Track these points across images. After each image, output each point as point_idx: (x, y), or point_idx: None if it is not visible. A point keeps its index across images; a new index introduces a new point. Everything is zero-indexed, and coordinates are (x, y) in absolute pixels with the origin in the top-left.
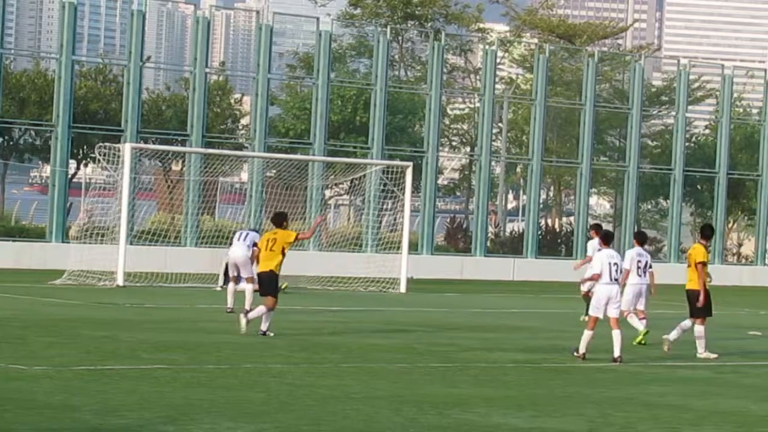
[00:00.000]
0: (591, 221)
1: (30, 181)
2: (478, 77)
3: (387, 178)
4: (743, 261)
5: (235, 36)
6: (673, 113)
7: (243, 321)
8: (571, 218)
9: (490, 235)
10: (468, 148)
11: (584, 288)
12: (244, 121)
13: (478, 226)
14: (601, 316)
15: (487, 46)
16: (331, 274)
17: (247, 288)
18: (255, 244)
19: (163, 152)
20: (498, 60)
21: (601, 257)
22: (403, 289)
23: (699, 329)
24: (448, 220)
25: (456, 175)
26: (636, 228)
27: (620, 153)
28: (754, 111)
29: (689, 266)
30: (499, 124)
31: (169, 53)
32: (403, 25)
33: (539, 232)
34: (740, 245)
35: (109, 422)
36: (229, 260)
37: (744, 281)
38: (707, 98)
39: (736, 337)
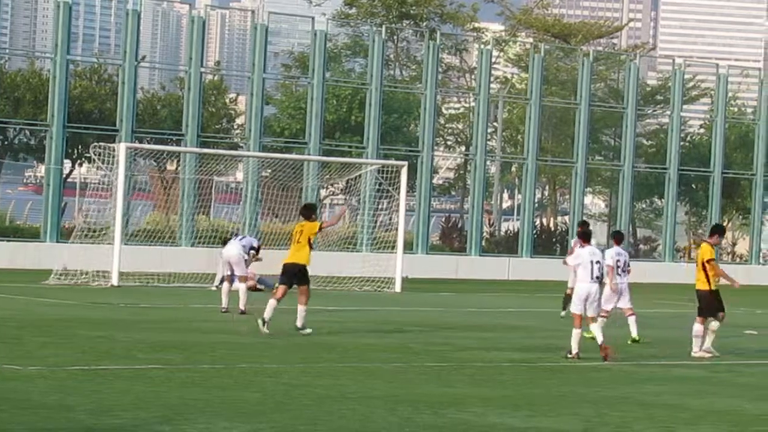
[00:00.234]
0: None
1: (24, 180)
2: (473, 77)
3: (382, 177)
4: (738, 260)
5: (231, 35)
6: (668, 112)
7: (261, 326)
8: (566, 217)
9: (485, 234)
10: (463, 148)
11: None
12: (239, 120)
13: (473, 225)
14: (582, 313)
15: (482, 46)
16: (326, 273)
17: (241, 287)
18: (252, 248)
19: (158, 152)
20: (493, 59)
21: (583, 254)
22: (398, 288)
23: (697, 328)
24: (443, 219)
25: (451, 175)
26: (630, 227)
27: (615, 152)
28: (749, 110)
29: (697, 266)
30: (494, 124)
31: (164, 53)
32: (398, 24)
33: (534, 232)
34: (734, 244)
35: (103, 422)
36: (222, 259)
37: (739, 280)
38: (702, 97)
39: (732, 336)
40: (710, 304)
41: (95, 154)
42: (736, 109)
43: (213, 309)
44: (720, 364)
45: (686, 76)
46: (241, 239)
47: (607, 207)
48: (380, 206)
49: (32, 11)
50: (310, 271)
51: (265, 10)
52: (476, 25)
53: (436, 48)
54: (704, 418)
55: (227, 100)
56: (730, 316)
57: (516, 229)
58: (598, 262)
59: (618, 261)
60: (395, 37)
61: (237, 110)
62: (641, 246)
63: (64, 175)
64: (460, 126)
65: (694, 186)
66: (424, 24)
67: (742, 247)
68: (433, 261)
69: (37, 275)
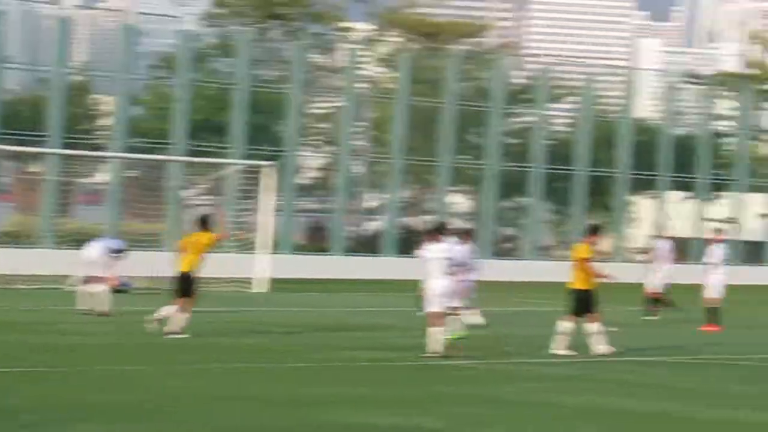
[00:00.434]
0: (451, 220)
1: None
2: (341, 76)
3: (248, 177)
4: (601, 258)
5: (99, 36)
6: (534, 111)
7: (152, 322)
8: (432, 217)
9: (350, 234)
10: (330, 147)
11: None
12: (105, 121)
13: (338, 225)
14: (434, 309)
15: (350, 45)
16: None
17: (101, 289)
18: (114, 249)
19: (20, 153)
20: (361, 59)
21: (435, 251)
22: (263, 289)
23: (565, 326)
24: (309, 219)
25: (317, 175)
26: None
27: (481, 151)
28: (615, 108)
29: (573, 265)
30: (362, 123)
31: (29, 53)
32: (266, 24)
33: (400, 231)
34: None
35: None
36: (83, 261)
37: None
38: (568, 96)
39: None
40: (583, 303)
41: None
42: (602, 108)
43: (72, 311)
44: (588, 361)
45: (552, 75)
46: (103, 241)
47: (473, 206)
48: (246, 207)
49: None
50: (167, 272)
51: (133, 10)
52: (345, 24)
53: (304, 48)
54: (567, 415)
55: (93, 101)
56: None
57: (381, 229)
58: (448, 258)
59: (455, 258)
60: (263, 37)
61: (103, 111)
62: (505, 244)
63: None
64: (328, 126)
65: (559, 184)
66: (293, 24)
67: (604, 245)
68: (299, 261)
69: None
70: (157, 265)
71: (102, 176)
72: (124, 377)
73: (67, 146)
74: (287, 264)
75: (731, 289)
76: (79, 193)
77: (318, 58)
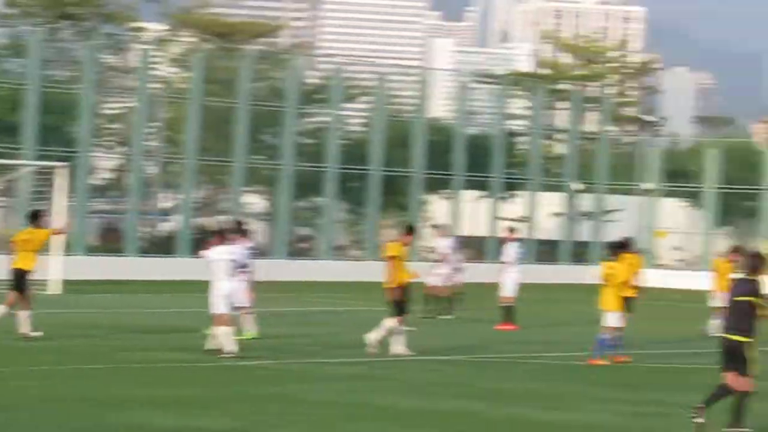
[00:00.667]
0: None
1: None
2: (133, 76)
3: (41, 179)
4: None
5: None
6: (329, 111)
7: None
8: (226, 217)
9: (144, 234)
10: (123, 148)
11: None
12: None
13: (132, 226)
14: (221, 311)
15: (142, 45)
16: None
17: None
18: None
19: None
20: (154, 59)
21: (220, 253)
22: (57, 290)
23: (391, 325)
24: (102, 220)
25: (111, 175)
26: (290, 227)
27: (276, 151)
28: (409, 108)
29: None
30: (155, 124)
31: None
32: (58, 24)
33: (194, 232)
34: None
35: None
36: None
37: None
38: (362, 96)
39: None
40: (399, 302)
41: None
42: (396, 107)
43: None
44: (381, 360)
45: (346, 75)
46: None
47: (267, 206)
48: (39, 208)
49: None
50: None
51: None
52: (137, 24)
53: (95, 48)
54: (362, 414)
55: None
56: (371, 312)
57: (175, 229)
58: (233, 260)
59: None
60: (54, 37)
61: None
62: (300, 244)
63: None
64: (120, 126)
65: (354, 184)
66: (84, 24)
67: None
68: (92, 262)
69: None
70: None
71: None
72: None
73: None
74: (81, 265)
75: (526, 288)
76: None
77: (110, 59)
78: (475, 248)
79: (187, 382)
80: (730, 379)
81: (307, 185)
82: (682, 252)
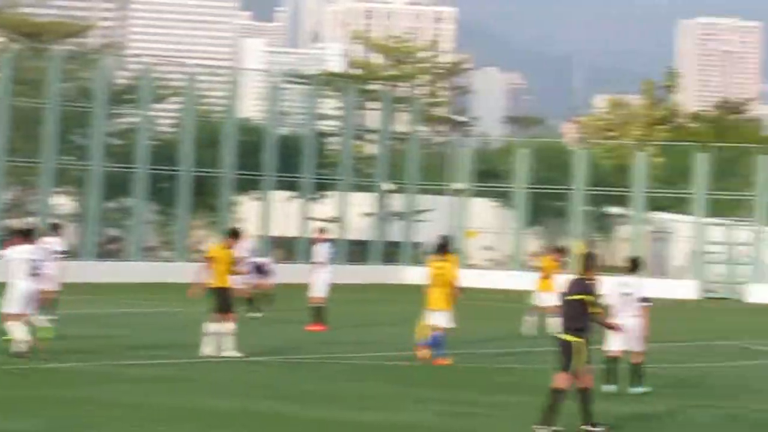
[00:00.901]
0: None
1: None
2: None
3: None
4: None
5: None
6: (138, 111)
7: None
8: (35, 218)
9: None
10: None
11: None
12: None
13: None
14: (13, 310)
15: None
16: None
17: None
18: None
19: None
20: None
21: (16, 253)
22: None
23: (212, 327)
24: None
25: None
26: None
27: (85, 152)
28: (219, 109)
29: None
30: None
31: None
32: None
33: (2, 233)
34: (200, 242)
35: None
36: None
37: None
38: (172, 96)
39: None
40: (222, 301)
41: None
42: (206, 108)
43: None
44: (192, 362)
45: (156, 75)
46: None
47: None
48: None
49: None
50: None
51: None
52: None
53: None
54: (171, 416)
55: None
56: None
57: None
58: (32, 260)
59: (34, 259)
60: None
61: None
62: (109, 246)
63: None
64: None
65: (164, 185)
66: None
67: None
68: None
69: None
70: None
71: None
72: None
73: None
74: None
75: (337, 288)
76: None
77: None
78: (286, 249)
79: None
80: (562, 379)
81: (117, 186)
82: (492, 252)
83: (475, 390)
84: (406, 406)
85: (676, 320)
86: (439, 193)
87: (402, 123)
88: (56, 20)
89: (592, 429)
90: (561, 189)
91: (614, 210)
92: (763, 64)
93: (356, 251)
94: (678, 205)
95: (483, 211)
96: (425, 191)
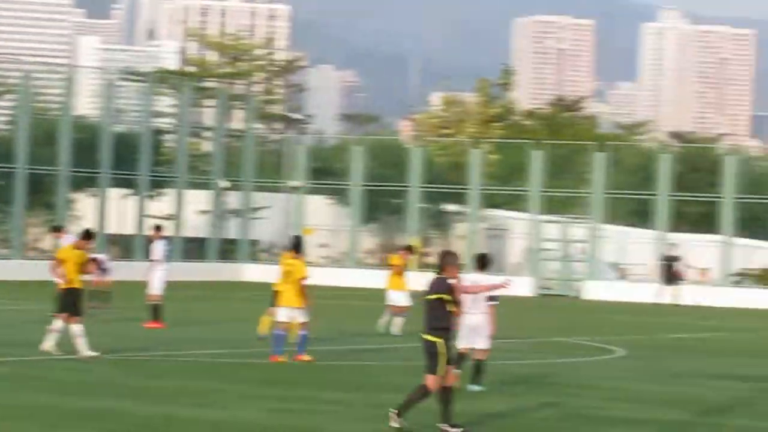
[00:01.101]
0: None
1: None
2: None
3: None
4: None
5: None
6: None
7: None
8: None
9: None
10: None
11: None
12: None
13: None
14: None
15: None
16: None
17: None
18: None
19: None
20: None
21: None
22: None
23: (57, 325)
24: None
25: None
26: None
27: None
28: (55, 106)
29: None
30: None
31: None
32: None
33: None
34: (37, 240)
35: None
36: None
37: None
38: (7, 93)
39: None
40: (70, 302)
41: None
42: (41, 105)
43: None
44: (26, 360)
45: None
46: None
47: None
48: None
49: None
50: None
51: None
52: None
53: None
54: (5, 414)
55: None
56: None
57: None
58: None
59: None
60: None
61: None
62: None
63: None
64: None
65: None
66: None
67: (45, 243)
68: None
69: None
70: None
71: None
72: None
73: None
74: None
75: (173, 286)
76: None
77: None
78: (123, 246)
79: None
80: (431, 380)
81: None
82: (328, 249)
83: (313, 387)
84: (244, 403)
85: (512, 317)
86: (276, 190)
87: (238, 120)
88: None
89: (451, 430)
90: (397, 186)
91: (451, 207)
92: (597, 62)
93: (193, 249)
94: (514, 203)
95: (319, 209)
96: (261, 188)
